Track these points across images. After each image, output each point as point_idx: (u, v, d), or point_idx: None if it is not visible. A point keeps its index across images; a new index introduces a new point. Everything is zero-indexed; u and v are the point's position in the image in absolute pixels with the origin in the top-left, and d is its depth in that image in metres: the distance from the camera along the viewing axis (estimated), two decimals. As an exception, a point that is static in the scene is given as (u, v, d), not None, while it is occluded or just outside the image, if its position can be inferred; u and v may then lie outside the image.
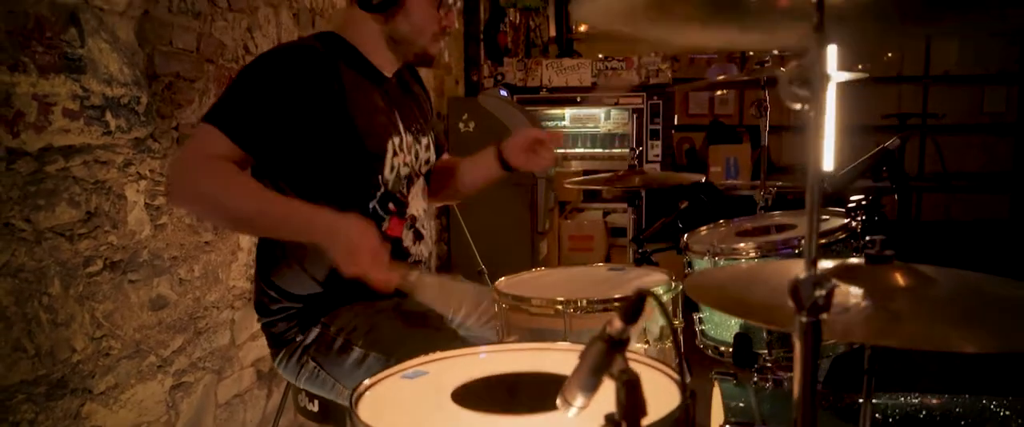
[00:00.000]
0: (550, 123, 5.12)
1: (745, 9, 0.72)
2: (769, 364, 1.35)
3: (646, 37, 0.78)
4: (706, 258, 1.37)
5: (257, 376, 2.17)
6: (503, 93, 4.42)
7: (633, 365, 0.69)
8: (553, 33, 7.31)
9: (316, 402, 1.41)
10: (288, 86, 1.24)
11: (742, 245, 1.37)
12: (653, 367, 0.96)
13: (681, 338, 1.45)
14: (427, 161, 1.53)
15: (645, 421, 0.70)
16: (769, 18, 0.74)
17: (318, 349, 1.33)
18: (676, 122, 5.33)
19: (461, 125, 3.90)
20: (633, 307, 0.62)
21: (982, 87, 7.61)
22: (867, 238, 0.99)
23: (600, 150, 5.07)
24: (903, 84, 7.71)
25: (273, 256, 1.36)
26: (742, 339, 1.30)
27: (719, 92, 8.03)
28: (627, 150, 4.94)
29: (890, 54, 8.09)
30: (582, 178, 2.25)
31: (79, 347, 1.47)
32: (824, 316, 0.70)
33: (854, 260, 1.00)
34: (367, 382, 0.94)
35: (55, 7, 1.38)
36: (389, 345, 1.29)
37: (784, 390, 1.27)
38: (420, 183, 1.49)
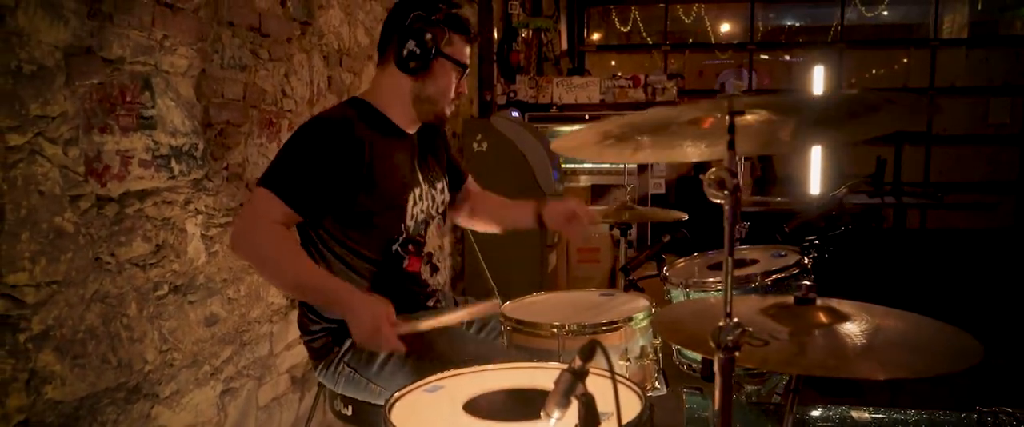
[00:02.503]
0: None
1: (678, 131, 0.97)
2: (735, 380, 1.59)
3: (608, 157, 1.03)
4: (680, 289, 1.61)
5: (291, 381, 2.43)
6: (515, 114, 4.67)
7: (605, 381, 0.95)
8: (565, 47, 7.56)
9: (350, 407, 1.67)
10: (330, 157, 1.50)
11: (710, 279, 1.61)
12: (623, 383, 1.21)
13: (660, 356, 1.70)
14: (442, 203, 1.79)
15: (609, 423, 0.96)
16: (697, 135, 0.98)
17: (352, 356, 1.59)
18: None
19: (475, 145, 4.15)
20: (588, 351, 0.86)
21: (987, 99, 7.75)
22: (798, 283, 1.23)
23: (608, 165, 5.28)
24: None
25: None
26: (707, 358, 1.54)
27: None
28: (635, 165, 5.18)
29: (895, 66, 8.25)
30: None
31: (150, 359, 1.74)
32: (737, 353, 0.94)
33: (788, 299, 1.24)
34: (396, 394, 1.20)
35: (134, 76, 1.65)
36: (409, 345, 1.54)
37: (741, 402, 1.51)
38: (435, 223, 1.75)
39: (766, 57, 8.64)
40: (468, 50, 1.66)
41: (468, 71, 1.69)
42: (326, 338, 1.62)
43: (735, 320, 0.94)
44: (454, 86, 1.64)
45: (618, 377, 1.22)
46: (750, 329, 0.95)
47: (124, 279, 1.65)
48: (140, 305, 1.70)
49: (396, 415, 1.13)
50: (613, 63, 9.24)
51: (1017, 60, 7.64)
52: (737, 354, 0.93)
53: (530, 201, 1.85)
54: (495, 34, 5.05)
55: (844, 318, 1.17)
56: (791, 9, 8.96)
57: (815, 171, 4.42)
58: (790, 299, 1.22)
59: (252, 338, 2.18)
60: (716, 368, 0.93)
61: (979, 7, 8.02)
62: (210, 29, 1.92)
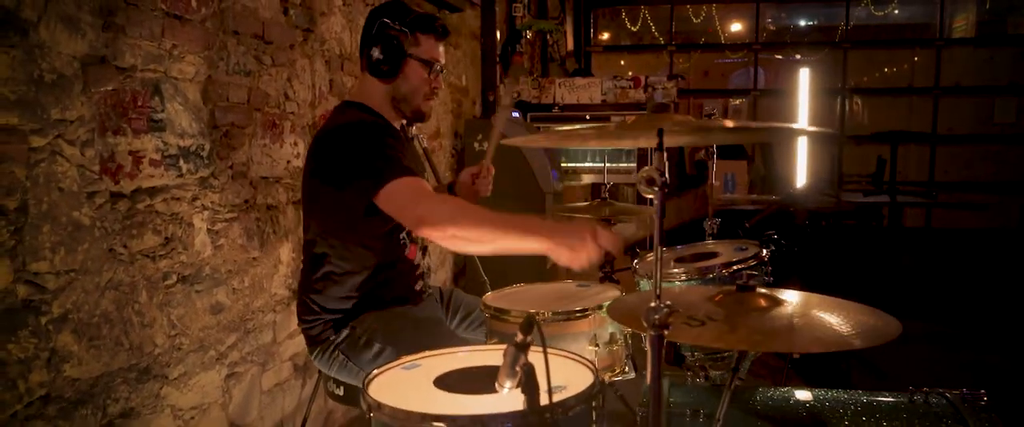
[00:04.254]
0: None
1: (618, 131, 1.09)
2: (697, 364, 1.71)
3: (565, 144, 1.15)
4: (646, 280, 1.74)
5: (294, 369, 2.58)
6: (515, 114, 4.79)
7: (569, 363, 1.07)
8: (570, 47, 7.67)
9: (342, 387, 1.81)
10: (393, 143, 1.67)
11: (674, 270, 1.73)
12: (578, 361, 1.33)
13: (630, 342, 1.82)
14: None
15: (564, 394, 1.09)
16: (632, 132, 1.11)
17: (347, 346, 1.73)
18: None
19: (476, 145, 4.28)
20: (526, 324, 0.99)
21: (993, 98, 7.77)
22: (745, 272, 1.35)
23: (610, 164, 5.40)
24: (913, 96, 7.90)
25: (315, 279, 1.76)
26: (670, 344, 1.66)
27: (735, 101, 8.31)
28: (633, 164, 5.30)
29: (895, 69, 8.27)
30: (562, 205, 2.62)
31: (159, 343, 1.89)
32: (666, 332, 1.07)
33: (732, 287, 1.36)
34: (376, 371, 1.33)
35: (145, 82, 1.80)
36: (400, 342, 1.68)
37: (704, 384, 1.63)
38: None
39: (780, 57, 8.69)
40: (441, 48, 1.79)
41: (442, 66, 1.81)
42: (323, 326, 1.76)
43: (666, 302, 1.06)
44: (429, 83, 1.77)
45: (572, 355, 1.35)
46: (678, 310, 1.07)
47: (136, 269, 1.80)
48: (150, 293, 1.85)
49: (373, 389, 1.26)
50: (622, 63, 9.33)
51: (1023, 59, 7.65)
52: (666, 332, 1.06)
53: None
54: (498, 36, 5.18)
55: (779, 303, 1.30)
56: (802, 8, 9.00)
57: (801, 171, 4.52)
58: (734, 287, 1.35)
59: (256, 326, 2.33)
60: (647, 345, 1.06)
61: (987, 6, 8.03)
62: (216, 38, 2.07)
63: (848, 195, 5.16)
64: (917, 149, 7.55)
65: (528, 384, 0.98)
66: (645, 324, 1.05)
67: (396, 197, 1.56)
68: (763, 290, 1.33)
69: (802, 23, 9.30)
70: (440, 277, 4.19)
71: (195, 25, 1.98)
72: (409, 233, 1.78)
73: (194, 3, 1.97)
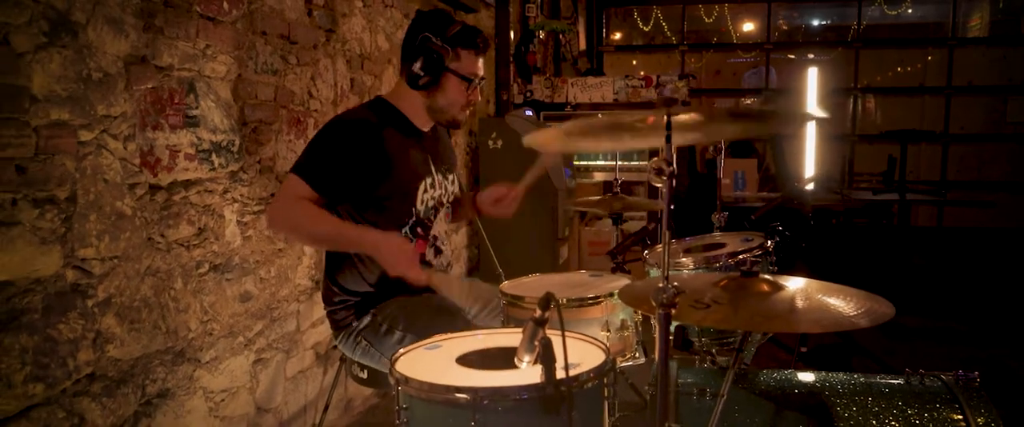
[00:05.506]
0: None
1: (630, 128, 1.18)
2: (704, 349, 1.80)
3: (576, 148, 1.24)
4: (656, 269, 1.82)
5: (316, 357, 2.68)
6: (528, 112, 4.87)
7: (582, 344, 1.16)
8: (583, 47, 7.75)
9: (366, 371, 1.91)
10: (348, 150, 1.73)
11: (682, 260, 1.81)
12: (590, 342, 1.41)
13: (639, 328, 1.90)
14: (453, 193, 2.01)
15: (580, 369, 1.17)
16: (644, 131, 1.20)
17: (369, 331, 1.82)
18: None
19: (490, 143, 4.37)
20: (545, 301, 1.08)
21: (1006, 97, 7.76)
22: (749, 259, 1.43)
23: (622, 162, 5.47)
24: (926, 95, 7.92)
25: (338, 263, 1.86)
26: (679, 329, 1.75)
27: (747, 101, 8.37)
28: (646, 163, 5.38)
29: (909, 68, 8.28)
30: (575, 200, 2.70)
31: (193, 327, 1.99)
32: (673, 311, 1.15)
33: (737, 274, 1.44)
34: (402, 350, 1.42)
35: (181, 80, 1.90)
36: (420, 329, 1.77)
37: (711, 367, 1.71)
38: (444, 210, 1.97)
39: (792, 57, 8.72)
40: (480, 61, 1.85)
41: (482, 80, 1.87)
42: (346, 311, 1.86)
43: (673, 283, 1.15)
44: (466, 96, 1.84)
45: (587, 337, 1.44)
46: (684, 291, 1.16)
47: (172, 257, 1.90)
48: (185, 280, 1.95)
49: (400, 365, 1.36)
50: (635, 63, 9.39)
51: (1035, 58, 7.64)
52: (673, 311, 1.14)
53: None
54: (512, 36, 5.27)
55: (780, 289, 1.38)
56: (816, 8, 9.02)
57: (809, 168, 4.58)
58: (738, 273, 1.43)
59: (281, 315, 2.43)
60: (654, 320, 1.14)
61: (1001, 5, 8.03)
62: (246, 38, 2.17)
63: (859, 193, 5.20)
64: (929, 148, 7.56)
65: (546, 357, 1.06)
66: (653, 303, 1.13)
67: (282, 187, 1.78)
68: (766, 276, 1.41)
69: (815, 23, 9.32)
70: (455, 271, 4.28)
71: (227, 26, 2.08)
72: (413, 227, 1.85)
73: (226, 5, 2.07)
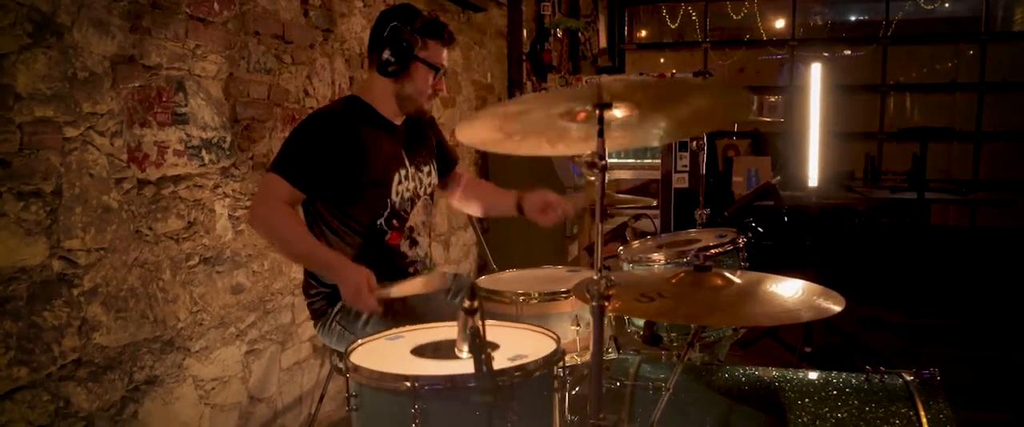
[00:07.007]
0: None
1: (558, 124, 1.20)
2: (674, 344, 1.80)
3: (511, 151, 1.27)
4: (629, 264, 1.83)
5: (313, 349, 2.74)
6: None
7: (537, 336, 1.19)
8: (603, 44, 7.73)
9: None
10: (324, 145, 1.78)
11: (653, 256, 1.82)
12: (541, 333, 1.43)
13: (612, 323, 1.91)
14: (430, 184, 2.05)
15: (528, 358, 1.20)
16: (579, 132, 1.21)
17: (342, 316, 1.87)
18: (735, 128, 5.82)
19: (499, 140, 4.39)
20: (469, 291, 1.10)
21: (1040, 94, 7.51)
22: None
23: (633, 160, 5.46)
24: (957, 93, 7.71)
25: None
26: (648, 325, 1.76)
27: (771, 98, 8.26)
28: (658, 160, 5.35)
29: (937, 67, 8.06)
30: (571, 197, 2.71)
31: (182, 318, 2.06)
32: (606, 303, 1.17)
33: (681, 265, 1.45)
34: (360, 341, 1.46)
35: (170, 79, 1.97)
36: (389, 313, 1.81)
37: (672, 364, 1.72)
38: (421, 202, 2.01)
39: (826, 55, 8.55)
40: (445, 52, 1.91)
41: (445, 71, 1.93)
42: (322, 301, 1.91)
43: (608, 277, 1.16)
44: (431, 84, 1.90)
45: (539, 329, 1.46)
46: (618, 283, 1.17)
47: (160, 249, 1.97)
48: (174, 272, 2.02)
49: (355, 355, 1.40)
50: (662, 61, 9.32)
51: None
52: (608, 304, 1.16)
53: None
54: (525, 34, 5.29)
55: (730, 283, 1.38)
56: (849, 5, 8.85)
57: (813, 168, 4.52)
58: (688, 268, 1.44)
59: (275, 307, 2.50)
60: (591, 313, 1.16)
61: (1036, -1, 7.77)
62: (238, 38, 2.24)
63: (879, 192, 5.10)
64: (961, 147, 7.36)
65: (476, 346, 1.09)
66: (587, 295, 1.15)
67: (262, 185, 1.83)
68: (722, 271, 1.41)
69: (846, 19, 9.13)
70: (464, 268, 4.33)
71: (217, 27, 2.14)
72: (387, 220, 1.90)
73: (217, 6, 2.14)
